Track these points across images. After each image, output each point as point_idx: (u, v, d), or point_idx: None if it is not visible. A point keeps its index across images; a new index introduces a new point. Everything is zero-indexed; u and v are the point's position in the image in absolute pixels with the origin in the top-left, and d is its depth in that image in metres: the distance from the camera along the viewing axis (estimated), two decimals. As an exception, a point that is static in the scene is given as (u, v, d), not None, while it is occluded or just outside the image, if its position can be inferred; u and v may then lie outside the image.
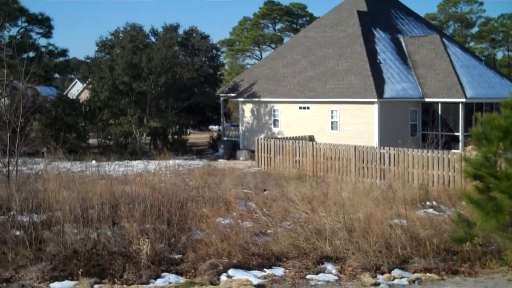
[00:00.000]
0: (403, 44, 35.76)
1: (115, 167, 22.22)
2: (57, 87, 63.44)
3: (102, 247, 11.24)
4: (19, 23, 41.19)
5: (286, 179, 20.89)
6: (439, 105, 31.87)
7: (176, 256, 11.48)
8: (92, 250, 11.11)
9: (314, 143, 27.81)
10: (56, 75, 53.85)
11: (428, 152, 22.95)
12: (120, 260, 10.67)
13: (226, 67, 55.88)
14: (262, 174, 25.44)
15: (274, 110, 35.83)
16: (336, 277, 10.55)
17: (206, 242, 11.81)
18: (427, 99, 32.09)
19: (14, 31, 41.32)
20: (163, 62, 35.95)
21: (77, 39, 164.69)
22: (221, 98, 40.76)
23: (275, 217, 13.53)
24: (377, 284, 10.20)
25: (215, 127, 47.46)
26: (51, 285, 10.10)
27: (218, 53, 46.94)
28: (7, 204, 13.36)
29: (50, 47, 43.10)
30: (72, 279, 10.22)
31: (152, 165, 22.04)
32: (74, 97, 43.87)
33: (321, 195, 15.29)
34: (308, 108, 34.02)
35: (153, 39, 41.87)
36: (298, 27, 68.88)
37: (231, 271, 10.65)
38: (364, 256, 11.15)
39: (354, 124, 31.10)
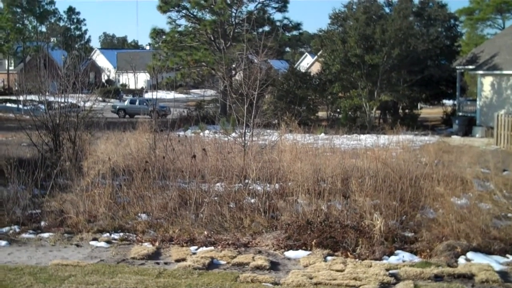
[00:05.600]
0: None
1: (344, 141, 22.20)
2: (288, 61, 65.46)
3: (334, 220, 11.19)
4: (257, -2, 43.04)
5: (529, 159, 19.12)
6: None
7: (409, 234, 11.08)
8: (324, 222, 11.09)
9: None
10: (287, 49, 55.46)
11: None
12: (353, 234, 10.53)
13: (463, 37, 52.66)
14: (502, 153, 23.58)
15: (518, 84, 33.06)
16: None
17: (440, 222, 11.17)
18: None
19: (251, 6, 43.34)
20: (397, 34, 35.16)
21: (309, 12, 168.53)
22: (458, 71, 38.58)
23: (517, 200, 12.38)
24: None
25: (448, 102, 45.31)
26: (286, 253, 10.31)
27: (456, 23, 44.37)
28: (244, 173, 13.94)
29: (285, 21, 44.41)
30: (306, 249, 10.34)
31: (382, 139, 21.55)
32: (304, 71, 44.89)
33: None
34: (558, 82, 30.82)
35: (387, 9, 41.15)
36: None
37: (469, 254, 10.08)
38: None
39: None
